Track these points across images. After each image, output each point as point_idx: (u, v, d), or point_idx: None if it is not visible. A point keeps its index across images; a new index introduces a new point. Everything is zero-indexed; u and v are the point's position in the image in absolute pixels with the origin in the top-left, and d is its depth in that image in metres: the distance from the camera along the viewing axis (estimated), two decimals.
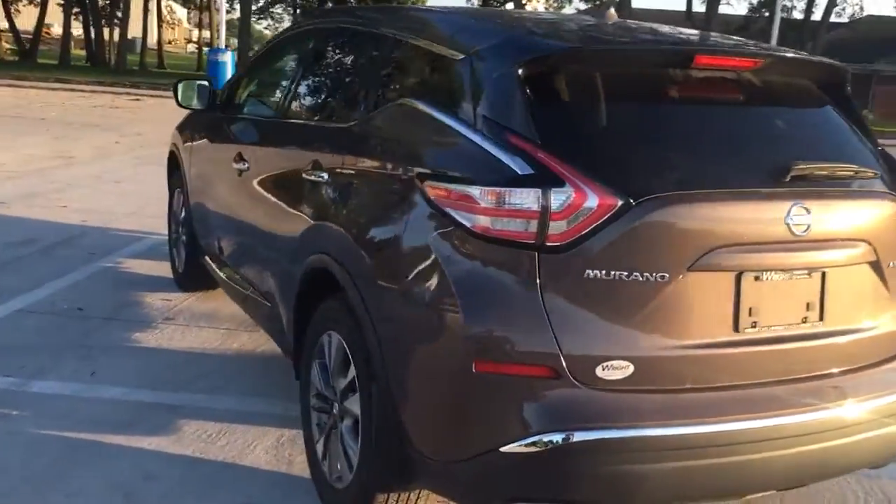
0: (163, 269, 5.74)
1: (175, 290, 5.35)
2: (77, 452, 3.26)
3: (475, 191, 2.23)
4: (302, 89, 3.68)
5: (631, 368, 2.21)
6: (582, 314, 2.20)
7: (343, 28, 3.43)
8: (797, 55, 2.75)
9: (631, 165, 2.27)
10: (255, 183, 3.70)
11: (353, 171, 2.85)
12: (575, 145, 2.28)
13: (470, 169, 2.32)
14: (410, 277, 2.39)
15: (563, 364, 2.17)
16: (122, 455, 3.28)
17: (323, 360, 2.99)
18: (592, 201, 2.16)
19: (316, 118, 3.46)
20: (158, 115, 17.48)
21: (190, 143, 4.84)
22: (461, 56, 2.57)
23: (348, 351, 2.73)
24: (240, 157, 3.86)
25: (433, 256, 2.33)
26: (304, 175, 3.13)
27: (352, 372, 2.72)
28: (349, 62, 3.40)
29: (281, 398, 3.85)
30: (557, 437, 2.17)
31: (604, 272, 2.18)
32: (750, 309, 2.31)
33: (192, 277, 5.16)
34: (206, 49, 50.32)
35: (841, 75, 2.77)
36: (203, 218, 4.64)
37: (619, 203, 2.17)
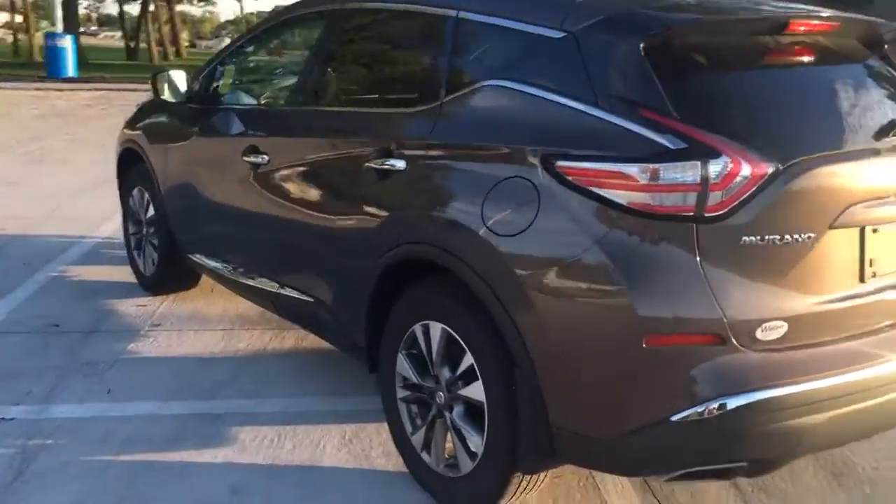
0: (116, 273, 5.44)
1: (144, 294, 5.07)
2: (147, 475, 3.07)
3: (632, 168, 2.25)
4: (342, 75, 3.56)
5: (785, 328, 2.31)
6: (739, 280, 2.28)
7: (393, 9, 3.30)
8: (857, 16, 2.88)
9: (768, 132, 2.35)
10: (282, 176, 3.56)
11: (444, 157, 2.79)
12: (713, 116, 2.34)
13: (612, 147, 2.33)
14: (556, 261, 2.40)
15: (728, 330, 2.25)
16: (193, 471, 3.12)
17: (413, 350, 2.95)
18: (746, 170, 2.23)
19: (366, 105, 3.35)
20: (7, 109, 16.27)
21: (163, 139, 4.56)
22: (560, 34, 2.57)
23: (461, 340, 2.70)
24: (254, 150, 3.70)
25: (581, 237, 2.34)
26: (367, 165, 3.04)
27: (467, 360, 2.69)
28: (407, 44, 3.30)
29: (321, 395, 3.77)
30: (726, 402, 2.24)
31: (757, 237, 2.27)
32: (871, 260, 2.46)
33: (164, 279, 4.91)
34: (21, 35, 46.86)
35: (882, 32, 2.93)
36: (191, 215, 4.41)
37: (770, 169, 2.25)
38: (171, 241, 4.68)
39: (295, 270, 3.62)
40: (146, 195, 4.88)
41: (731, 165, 2.22)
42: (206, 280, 5.09)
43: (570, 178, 2.37)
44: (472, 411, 2.76)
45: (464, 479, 2.79)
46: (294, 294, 3.63)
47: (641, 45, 2.39)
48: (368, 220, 3.07)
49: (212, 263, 4.29)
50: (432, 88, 2.95)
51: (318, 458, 3.24)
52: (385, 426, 3.43)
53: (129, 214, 5.19)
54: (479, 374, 2.66)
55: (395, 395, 3.07)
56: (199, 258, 4.44)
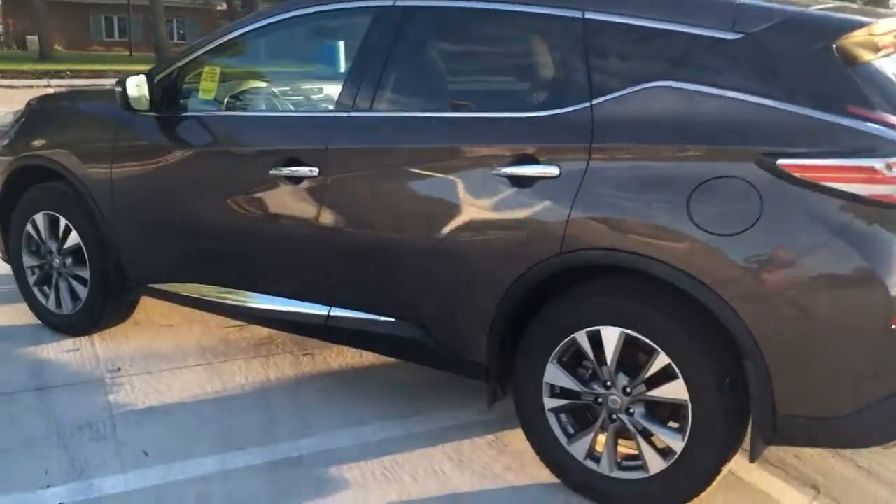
0: None
1: (60, 336, 4.32)
2: None
3: (878, 163, 2.43)
4: (436, 78, 3.29)
5: None
6: None
7: (502, 9, 3.09)
8: None
9: None
10: (349, 189, 3.26)
11: (619, 160, 2.75)
12: None
13: (833, 143, 2.49)
14: (792, 254, 2.51)
15: None
16: None
17: (569, 358, 2.93)
18: None
19: (474, 109, 3.15)
20: None
21: (111, 155, 3.89)
22: (735, 35, 2.67)
23: (651, 342, 2.72)
24: (293, 162, 3.34)
25: (819, 229, 2.47)
26: (494, 172, 2.93)
27: (660, 361, 2.73)
28: (521, 46, 3.15)
29: (378, 420, 3.55)
30: None
31: None
32: None
33: (98, 316, 4.23)
34: None
35: None
36: (167, 239, 3.84)
37: None
38: (116, 270, 4.05)
39: (365, 291, 3.34)
40: (63, 221, 4.16)
41: None
42: (138, 313, 4.49)
43: (796, 174, 2.49)
44: (660, 410, 2.81)
45: (656, 478, 2.82)
46: (360, 316, 3.36)
47: (834, 46, 2.57)
48: (504, 230, 2.94)
49: (200, 291, 3.80)
50: (570, 91, 2.91)
51: (450, 484, 3.08)
52: (479, 440, 3.39)
53: (24, 245, 4.38)
54: (679, 373, 2.70)
55: (543, 406, 2.99)
56: (172, 287, 3.90)
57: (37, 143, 4.26)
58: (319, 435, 3.40)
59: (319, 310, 3.47)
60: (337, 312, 3.42)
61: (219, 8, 49.83)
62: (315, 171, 3.30)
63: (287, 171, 3.36)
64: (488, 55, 3.33)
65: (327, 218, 3.31)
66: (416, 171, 3.13)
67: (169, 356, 4.14)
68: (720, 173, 2.59)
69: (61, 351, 4.17)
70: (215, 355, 4.16)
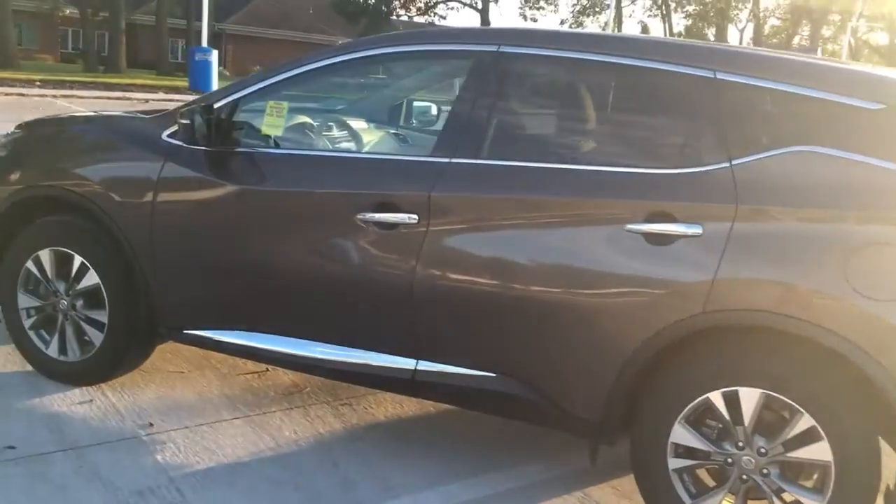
0: None
1: (64, 386, 3.89)
2: None
3: None
4: (555, 128, 3.21)
5: None
6: None
7: (629, 65, 3.05)
8: None
9: None
10: (455, 239, 3.12)
11: (768, 221, 2.76)
12: None
13: None
14: None
15: None
16: None
17: (695, 418, 2.92)
18: None
19: (596, 163, 3.07)
20: None
21: (154, 188, 3.54)
22: (878, 106, 2.76)
23: (797, 405, 2.75)
24: (386, 207, 3.18)
25: None
26: (626, 229, 2.89)
27: (803, 423, 2.76)
28: (648, 102, 3.10)
29: (456, 478, 3.40)
30: None
31: None
32: None
33: (115, 364, 3.85)
34: None
35: None
36: (219, 283, 3.53)
37: None
38: (147, 313, 3.70)
39: (464, 345, 3.19)
40: (77, 258, 3.77)
41: None
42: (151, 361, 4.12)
43: None
44: (794, 469, 2.84)
45: None
46: (455, 370, 3.21)
47: None
48: (637, 288, 2.89)
49: (256, 339, 3.53)
50: (705, 150, 2.92)
51: None
52: (568, 497, 3.38)
53: (21, 284, 3.93)
54: (824, 435, 2.73)
55: (666, 466, 2.95)
56: (218, 335, 3.60)
57: (45, 172, 3.85)
58: (406, 496, 3.22)
59: (405, 363, 3.29)
60: (426, 367, 3.26)
61: (60, 14, 47.38)
62: (414, 217, 3.14)
63: (379, 216, 3.18)
64: (605, 109, 3.29)
65: (426, 267, 3.15)
66: (536, 223, 3.03)
67: (198, 408, 3.82)
68: (876, 239, 2.66)
69: (72, 403, 3.75)
70: (248, 406, 3.87)
